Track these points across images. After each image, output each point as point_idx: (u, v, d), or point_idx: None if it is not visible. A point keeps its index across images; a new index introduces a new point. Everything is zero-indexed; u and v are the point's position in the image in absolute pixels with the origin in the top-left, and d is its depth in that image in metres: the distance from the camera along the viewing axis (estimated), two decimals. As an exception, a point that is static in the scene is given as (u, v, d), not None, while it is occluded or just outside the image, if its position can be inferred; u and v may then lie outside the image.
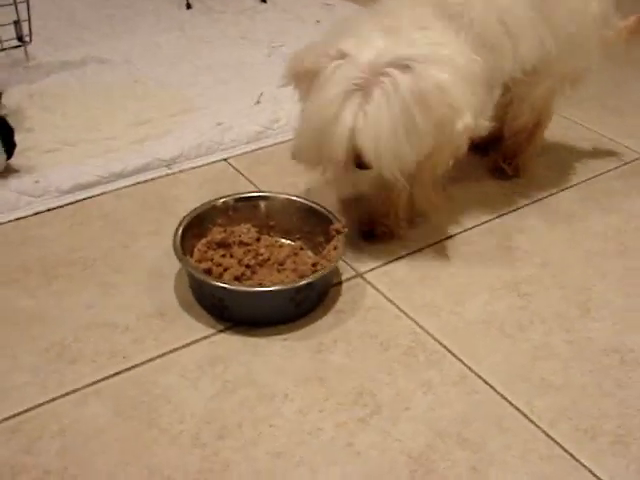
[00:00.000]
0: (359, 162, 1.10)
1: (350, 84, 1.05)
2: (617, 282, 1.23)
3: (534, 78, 1.32)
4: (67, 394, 0.99)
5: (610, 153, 1.61)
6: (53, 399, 0.98)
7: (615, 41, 1.41)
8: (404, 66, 1.05)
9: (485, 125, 1.17)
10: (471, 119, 1.07)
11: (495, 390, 1.01)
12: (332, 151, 1.08)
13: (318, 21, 2.18)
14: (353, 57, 1.07)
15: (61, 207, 1.35)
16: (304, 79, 1.12)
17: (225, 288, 1.09)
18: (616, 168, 1.55)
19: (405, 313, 1.14)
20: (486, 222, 1.36)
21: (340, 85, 1.06)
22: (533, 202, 1.43)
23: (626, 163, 1.58)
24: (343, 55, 1.07)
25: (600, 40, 1.35)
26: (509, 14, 1.17)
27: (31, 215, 1.33)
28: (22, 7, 1.79)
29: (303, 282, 1.09)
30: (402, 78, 1.05)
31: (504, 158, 1.48)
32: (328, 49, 1.09)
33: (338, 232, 1.18)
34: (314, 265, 1.16)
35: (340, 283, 1.19)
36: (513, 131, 1.45)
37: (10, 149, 1.40)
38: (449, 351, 1.07)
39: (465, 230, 1.33)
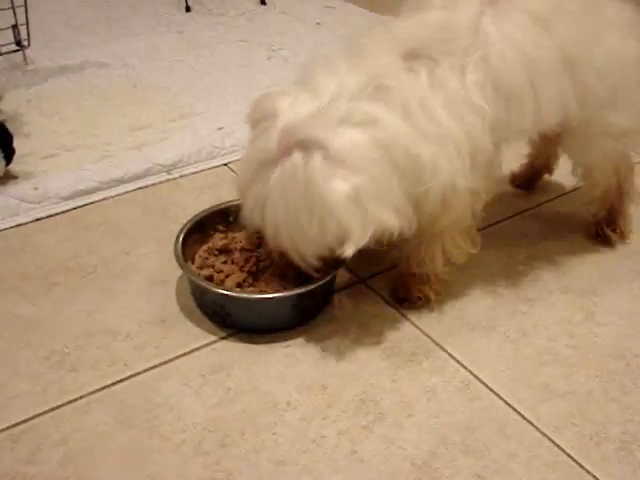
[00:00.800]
0: None
1: (264, 153, 0.99)
2: (622, 285, 1.23)
3: (583, 140, 1.19)
4: (68, 403, 0.98)
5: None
6: (54, 408, 0.97)
7: None
8: (311, 151, 0.95)
9: (491, 188, 1.09)
10: (364, 237, 0.96)
11: (499, 396, 1.00)
12: (245, 220, 1.05)
13: (318, 23, 2.18)
14: (278, 122, 0.98)
15: (61, 213, 1.35)
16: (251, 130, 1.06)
17: (227, 295, 1.09)
18: None
19: (408, 319, 1.13)
20: (490, 225, 1.36)
21: (257, 152, 1.00)
22: (534, 207, 1.42)
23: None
24: (274, 116, 0.99)
25: None
26: (534, 62, 1.03)
27: (31, 221, 1.33)
28: (20, 11, 1.79)
29: (305, 289, 1.09)
30: (299, 167, 0.95)
31: (607, 223, 1.33)
32: (269, 104, 1.01)
33: None
34: (316, 272, 1.16)
35: (343, 289, 1.18)
36: (597, 197, 1.32)
37: (9, 155, 1.39)
38: (453, 357, 1.06)
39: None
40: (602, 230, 1.33)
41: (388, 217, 0.97)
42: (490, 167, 1.07)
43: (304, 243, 1.00)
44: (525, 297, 1.19)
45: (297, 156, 0.95)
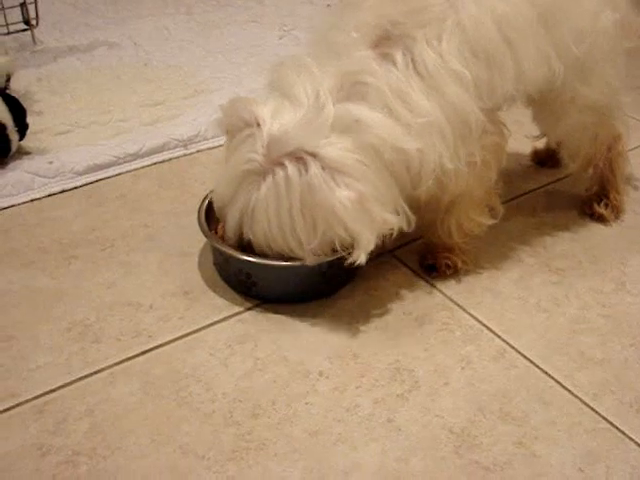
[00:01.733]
0: None
1: (250, 164, 0.97)
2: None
3: (553, 112, 1.18)
4: (92, 374, 0.95)
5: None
6: (78, 379, 0.94)
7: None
8: (306, 162, 0.94)
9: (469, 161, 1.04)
10: (373, 241, 0.97)
11: (535, 364, 0.98)
12: (228, 230, 1.04)
13: (329, 5, 2.15)
14: (262, 130, 0.97)
15: (76, 188, 1.32)
16: (228, 136, 1.04)
17: (253, 262, 1.05)
18: None
19: (438, 289, 1.11)
20: (514, 199, 1.33)
21: (241, 162, 0.98)
22: (557, 181, 1.40)
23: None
24: (256, 123, 0.98)
25: (621, 57, 1.18)
26: (508, 20, 1.00)
27: (46, 196, 1.30)
28: (28, -10, 1.76)
29: (334, 257, 1.06)
30: (295, 178, 0.95)
31: (599, 199, 1.30)
32: (247, 111, 0.99)
33: None
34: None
35: (370, 260, 1.15)
36: (584, 169, 1.30)
37: (23, 130, 1.37)
38: (486, 326, 1.04)
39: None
40: (592, 208, 1.29)
41: (391, 218, 0.97)
42: (487, 134, 1.03)
43: (302, 249, 0.99)
44: (555, 267, 1.17)
45: (291, 167, 0.95)
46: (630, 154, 1.33)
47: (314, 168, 0.94)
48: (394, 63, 0.97)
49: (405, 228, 1.00)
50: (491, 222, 1.12)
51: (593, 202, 1.30)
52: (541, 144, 1.44)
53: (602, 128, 1.24)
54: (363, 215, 0.95)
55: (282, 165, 0.95)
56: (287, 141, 0.95)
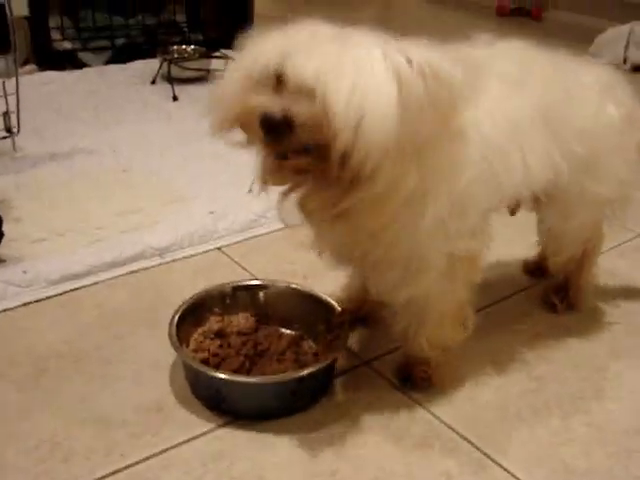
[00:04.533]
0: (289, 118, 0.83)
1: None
2: (631, 360, 1.21)
3: (560, 208, 1.18)
4: (60, 496, 0.92)
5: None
6: (45, 502, 0.91)
7: None
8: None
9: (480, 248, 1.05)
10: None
11: (517, 478, 0.96)
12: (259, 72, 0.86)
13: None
14: None
15: (51, 298, 1.31)
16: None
17: (222, 379, 1.04)
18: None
19: (415, 401, 1.09)
20: (493, 304, 1.34)
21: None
22: (536, 285, 1.41)
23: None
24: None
25: (633, 150, 1.18)
26: (517, 122, 1.02)
27: (19, 306, 1.28)
28: (11, 99, 1.79)
29: (304, 372, 1.05)
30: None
31: (555, 291, 1.33)
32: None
33: (341, 324, 1.14)
34: (316, 355, 1.12)
35: (346, 372, 1.14)
36: (558, 266, 1.31)
37: (-2, 238, 1.36)
38: (466, 439, 1.02)
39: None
40: (549, 297, 1.33)
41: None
42: (470, 238, 1.02)
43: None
44: (535, 375, 1.16)
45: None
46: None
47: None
48: None
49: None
50: (464, 336, 1.10)
51: (550, 290, 1.34)
52: (532, 256, 1.44)
53: (597, 229, 1.27)
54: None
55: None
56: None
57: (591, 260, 1.32)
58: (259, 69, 0.86)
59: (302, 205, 0.94)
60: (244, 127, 0.90)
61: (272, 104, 0.84)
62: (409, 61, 0.84)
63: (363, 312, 1.22)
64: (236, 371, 1.09)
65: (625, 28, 2.99)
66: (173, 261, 1.44)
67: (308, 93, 0.82)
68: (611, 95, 1.14)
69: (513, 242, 1.49)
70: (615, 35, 3.00)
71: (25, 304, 1.29)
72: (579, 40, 3.22)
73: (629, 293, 1.41)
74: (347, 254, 1.03)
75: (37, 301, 1.30)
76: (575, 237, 1.24)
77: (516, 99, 1.03)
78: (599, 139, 1.12)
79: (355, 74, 0.81)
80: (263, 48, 0.87)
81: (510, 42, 1.10)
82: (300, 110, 0.83)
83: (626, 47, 2.96)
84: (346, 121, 0.81)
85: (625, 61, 2.95)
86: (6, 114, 1.78)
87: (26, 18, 2.45)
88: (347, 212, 0.90)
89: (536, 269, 1.44)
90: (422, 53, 0.86)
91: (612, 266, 1.47)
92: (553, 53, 1.13)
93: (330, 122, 0.81)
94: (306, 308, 1.20)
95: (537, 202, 1.19)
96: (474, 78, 0.92)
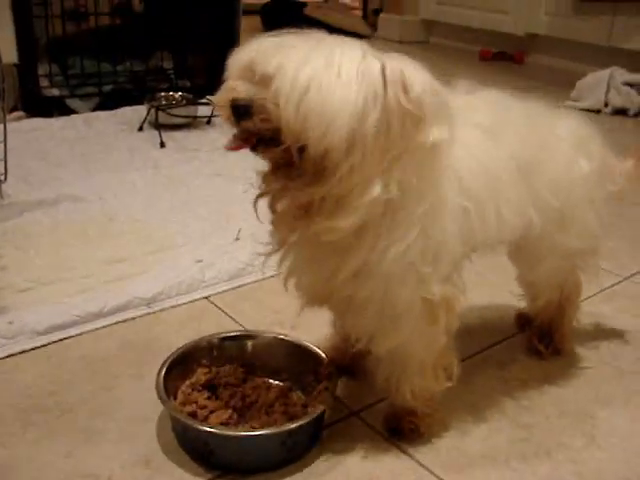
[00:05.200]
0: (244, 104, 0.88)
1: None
2: (619, 406, 1.21)
3: (529, 256, 1.22)
4: None
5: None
6: None
7: (621, 194, 1.24)
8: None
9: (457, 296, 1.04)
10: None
11: (507, 536, 0.96)
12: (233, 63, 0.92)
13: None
14: None
15: (36, 349, 1.30)
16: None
17: (210, 432, 1.04)
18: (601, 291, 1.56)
19: (405, 452, 1.08)
20: (479, 352, 1.34)
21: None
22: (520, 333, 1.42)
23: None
24: None
25: (601, 204, 1.20)
26: (493, 171, 1.04)
27: (4, 357, 1.27)
28: (-1, 147, 1.80)
29: (294, 425, 1.04)
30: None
31: (539, 337, 1.34)
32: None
33: (329, 374, 1.14)
34: (305, 406, 1.12)
35: (335, 423, 1.14)
36: (537, 311, 1.34)
37: (-16, 289, 1.36)
38: (455, 493, 1.02)
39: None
40: (533, 343, 1.33)
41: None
42: (444, 282, 1.01)
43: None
44: (523, 423, 1.16)
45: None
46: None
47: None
48: None
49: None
50: (447, 386, 1.09)
51: (534, 337, 1.34)
52: (526, 309, 1.42)
53: (571, 276, 1.28)
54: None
55: None
56: None
57: (572, 305, 1.33)
58: (241, 63, 0.92)
59: (272, 206, 0.97)
60: (224, 113, 0.94)
61: (241, 90, 0.89)
62: (383, 67, 0.88)
63: (348, 361, 1.22)
64: (224, 424, 1.08)
65: (605, 73, 3.05)
66: (160, 311, 1.43)
67: (269, 82, 0.87)
68: (583, 148, 1.17)
69: (497, 287, 1.51)
70: (596, 80, 3.07)
71: (10, 355, 1.27)
72: (560, 84, 3.29)
73: (614, 337, 1.41)
74: (316, 283, 1.03)
75: (23, 352, 1.29)
76: (547, 283, 1.27)
77: (493, 149, 1.05)
78: (571, 192, 1.14)
79: (318, 67, 0.85)
80: (251, 45, 0.92)
81: (489, 91, 1.12)
82: (258, 95, 0.88)
83: (607, 91, 3.02)
84: (291, 108, 0.84)
85: (606, 104, 3.01)
86: (-6, 161, 1.79)
87: (15, 65, 2.47)
88: (310, 213, 0.93)
89: (528, 322, 1.42)
90: (402, 65, 0.89)
91: (597, 310, 1.49)
92: (530, 103, 1.15)
93: (280, 109, 0.85)
94: (294, 359, 1.20)
95: (508, 250, 1.22)
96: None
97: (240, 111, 0.89)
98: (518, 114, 1.12)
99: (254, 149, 0.92)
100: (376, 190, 0.90)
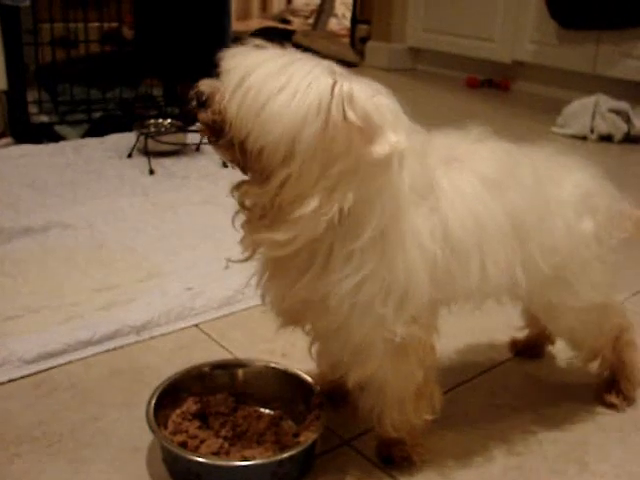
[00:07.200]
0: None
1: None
2: (612, 433, 1.21)
3: (546, 314, 1.20)
4: None
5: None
6: None
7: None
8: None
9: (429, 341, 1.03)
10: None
11: None
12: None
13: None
14: None
15: (24, 377, 1.28)
16: None
17: (201, 463, 1.03)
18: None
19: (396, 479, 1.08)
20: (470, 380, 1.33)
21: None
22: (514, 357, 1.42)
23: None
24: None
25: (610, 254, 1.17)
26: (483, 223, 1.01)
27: (-8, 387, 1.26)
28: (-13, 175, 1.79)
29: (285, 455, 1.04)
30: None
31: (608, 390, 1.27)
32: None
33: (320, 403, 1.13)
34: (296, 436, 1.11)
35: (326, 452, 1.13)
36: (590, 360, 1.28)
37: (-29, 318, 1.34)
38: (448, 524, 1.01)
39: (449, 389, 1.29)
40: (602, 397, 1.27)
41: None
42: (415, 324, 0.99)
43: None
44: (515, 451, 1.16)
45: None
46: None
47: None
48: None
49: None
50: (429, 417, 1.08)
51: (603, 390, 1.28)
52: (521, 334, 1.42)
53: (606, 321, 1.22)
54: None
55: None
56: None
57: (627, 350, 1.27)
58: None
59: (241, 203, 0.99)
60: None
61: (206, 83, 0.95)
62: (334, 83, 0.89)
63: (337, 390, 1.20)
64: (215, 454, 1.07)
65: (591, 100, 3.08)
66: (150, 339, 1.42)
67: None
68: (589, 204, 1.13)
69: (486, 314, 1.50)
70: (581, 107, 3.09)
71: (-2, 385, 1.26)
72: (546, 111, 3.32)
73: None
74: (276, 300, 1.04)
75: (10, 381, 1.27)
76: (580, 335, 1.22)
77: (490, 202, 1.03)
78: (573, 256, 1.11)
79: (269, 72, 0.89)
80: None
81: (500, 142, 1.10)
82: (215, 89, 0.93)
83: (592, 118, 3.04)
84: (234, 104, 0.89)
85: (592, 131, 3.03)
86: (-18, 189, 1.78)
87: (4, 92, 2.47)
88: (263, 220, 0.95)
89: (526, 348, 1.42)
90: (357, 85, 0.90)
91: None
92: (539, 155, 1.13)
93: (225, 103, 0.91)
94: (285, 387, 1.20)
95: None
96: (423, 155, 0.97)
97: (198, 101, 0.94)
98: (525, 171, 1.08)
99: (209, 141, 0.96)
100: (312, 205, 0.90)
